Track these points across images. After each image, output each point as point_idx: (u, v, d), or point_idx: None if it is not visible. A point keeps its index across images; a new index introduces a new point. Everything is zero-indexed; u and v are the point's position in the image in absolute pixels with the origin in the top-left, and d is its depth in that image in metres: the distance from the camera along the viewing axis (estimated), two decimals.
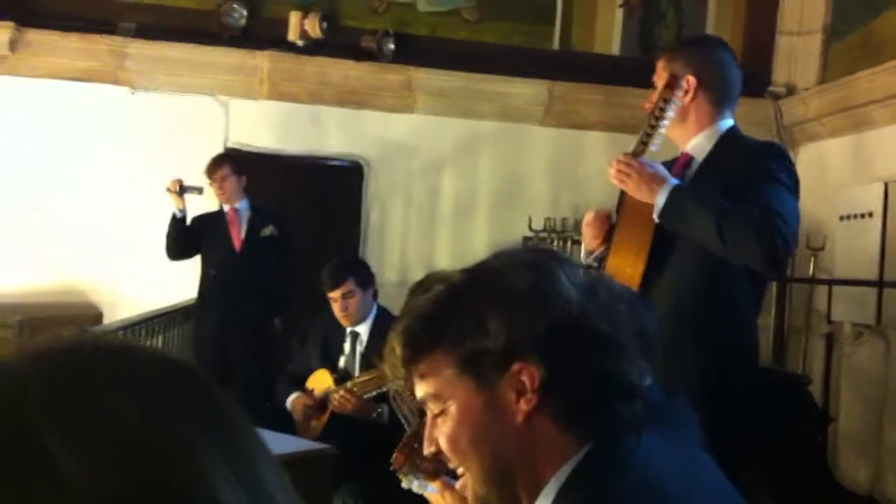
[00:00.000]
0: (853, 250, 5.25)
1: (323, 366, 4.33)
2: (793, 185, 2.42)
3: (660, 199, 2.36)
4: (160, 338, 4.98)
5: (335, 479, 3.52)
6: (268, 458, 0.58)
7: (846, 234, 5.35)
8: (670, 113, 2.44)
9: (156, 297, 5.28)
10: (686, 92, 2.48)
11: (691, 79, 2.49)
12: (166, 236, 4.96)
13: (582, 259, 2.66)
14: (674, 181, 2.39)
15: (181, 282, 5.28)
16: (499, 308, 1.10)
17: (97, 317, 5.43)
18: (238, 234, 5.01)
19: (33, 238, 5.65)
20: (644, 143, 2.47)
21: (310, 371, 4.36)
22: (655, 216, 2.38)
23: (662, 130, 2.47)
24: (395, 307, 4.37)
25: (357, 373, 4.21)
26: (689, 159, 2.53)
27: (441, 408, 1.14)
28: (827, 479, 4.73)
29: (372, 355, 4.23)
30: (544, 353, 1.08)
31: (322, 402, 4.18)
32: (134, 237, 5.63)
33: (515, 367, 1.08)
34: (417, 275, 6.50)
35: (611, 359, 1.09)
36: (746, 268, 2.43)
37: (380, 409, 4.00)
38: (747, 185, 2.37)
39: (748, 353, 2.59)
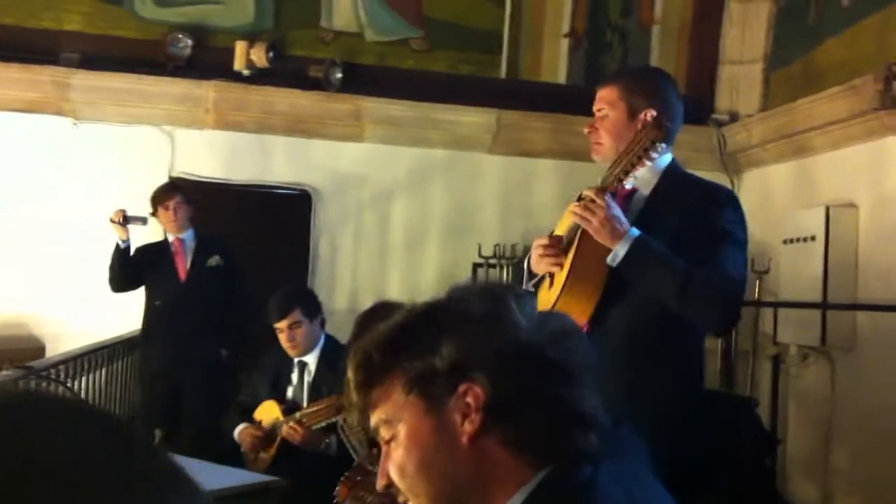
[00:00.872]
0: (797, 273, 5.33)
1: (271, 396, 4.28)
2: (745, 241, 2.47)
3: (620, 249, 2.34)
4: (103, 371, 4.88)
5: None
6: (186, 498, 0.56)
7: (790, 257, 5.44)
8: (655, 154, 2.37)
9: (100, 330, 5.18)
10: (644, 125, 2.43)
11: (652, 113, 2.48)
12: (109, 268, 4.88)
13: (524, 283, 2.64)
14: (634, 231, 2.36)
15: (125, 314, 5.19)
16: (451, 331, 1.11)
17: (39, 350, 5.31)
18: (184, 265, 4.95)
19: None
20: (620, 180, 2.40)
21: (258, 402, 4.31)
22: (613, 263, 2.35)
23: (643, 169, 2.41)
24: (346, 336, 4.33)
25: (305, 403, 4.17)
26: (632, 192, 2.51)
27: (391, 433, 1.13)
28: (776, 500, 4.76)
29: (321, 385, 4.19)
30: (491, 374, 1.08)
31: (270, 434, 4.13)
32: (77, 269, 5.53)
33: (462, 387, 1.08)
34: (368, 303, 6.45)
35: (563, 385, 1.09)
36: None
37: (328, 441, 3.95)
38: (702, 237, 2.38)
39: (701, 379, 2.61)
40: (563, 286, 2.44)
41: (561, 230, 2.60)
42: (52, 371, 3.96)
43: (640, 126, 2.44)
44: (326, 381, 4.11)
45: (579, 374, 1.11)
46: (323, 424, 3.96)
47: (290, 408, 4.16)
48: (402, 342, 1.14)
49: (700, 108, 6.42)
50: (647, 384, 2.42)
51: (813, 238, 5.20)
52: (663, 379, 2.45)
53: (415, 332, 1.14)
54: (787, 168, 5.87)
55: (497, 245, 6.02)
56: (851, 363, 5.04)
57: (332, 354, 4.21)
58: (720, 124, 6.39)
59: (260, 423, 4.20)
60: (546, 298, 2.50)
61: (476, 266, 5.90)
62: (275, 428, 4.09)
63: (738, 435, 4.40)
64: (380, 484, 1.16)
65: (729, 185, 6.42)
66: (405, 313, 1.18)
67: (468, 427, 1.08)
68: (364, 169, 6.23)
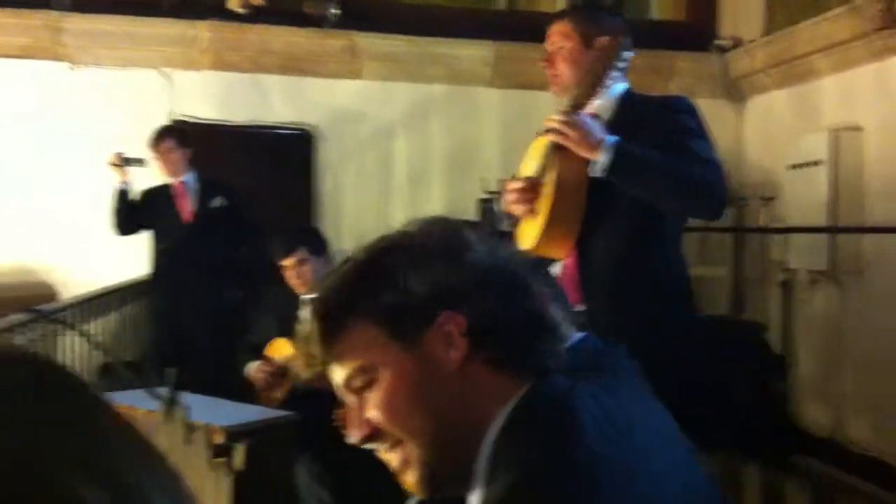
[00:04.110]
0: (804, 198, 5.30)
1: (281, 335, 4.29)
2: (709, 137, 2.53)
3: (603, 157, 2.36)
4: (113, 314, 4.88)
5: (298, 446, 3.50)
6: (131, 446, 0.55)
7: (796, 182, 5.40)
8: (621, 64, 2.47)
9: (110, 275, 5.17)
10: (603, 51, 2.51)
11: (607, 38, 2.52)
12: (111, 211, 4.85)
13: (500, 224, 2.68)
14: (610, 138, 2.39)
15: (134, 259, 5.18)
16: (414, 265, 1.08)
17: (50, 296, 5.30)
18: (187, 207, 4.93)
19: None
20: (589, 95, 2.46)
21: (267, 341, 4.32)
22: (599, 172, 2.37)
23: (609, 82, 2.49)
24: None
25: None
26: (593, 118, 2.52)
27: (368, 379, 1.08)
28: (788, 423, 4.81)
29: None
30: (465, 300, 1.07)
31: (282, 370, 4.14)
32: (83, 215, 5.50)
33: (440, 318, 1.06)
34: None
35: (530, 301, 1.09)
36: (673, 221, 2.53)
37: None
38: (670, 140, 2.43)
39: (689, 300, 2.65)
40: (548, 217, 2.47)
41: (527, 170, 2.61)
42: (62, 314, 3.96)
43: (595, 52, 2.51)
44: None
45: (542, 290, 1.11)
46: None
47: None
48: (365, 284, 1.09)
49: (702, 35, 6.34)
50: (637, 306, 2.47)
51: (818, 163, 5.16)
52: (652, 305, 2.49)
53: (377, 272, 1.09)
54: (791, 93, 5.81)
55: (501, 180, 5.98)
56: (860, 287, 5.04)
57: None
58: (723, 50, 6.31)
59: (272, 360, 4.21)
60: (528, 233, 2.52)
61: (482, 201, 5.87)
62: (287, 365, 4.11)
63: (747, 360, 4.43)
64: (356, 436, 1.11)
65: (732, 113, 6.38)
66: (362, 255, 1.13)
67: (454, 355, 1.06)
68: (363, 106, 6.16)
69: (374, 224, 6.06)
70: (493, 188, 5.92)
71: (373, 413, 1.08)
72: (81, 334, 3.89)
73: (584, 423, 0.97)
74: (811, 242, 5.21)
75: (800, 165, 5.35)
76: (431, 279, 1.07)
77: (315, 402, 3.87)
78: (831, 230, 5.02)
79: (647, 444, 1.01)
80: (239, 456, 2.73)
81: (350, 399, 1.11)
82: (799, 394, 5.38)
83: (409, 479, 1.09)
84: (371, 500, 3.20)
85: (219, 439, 3.06)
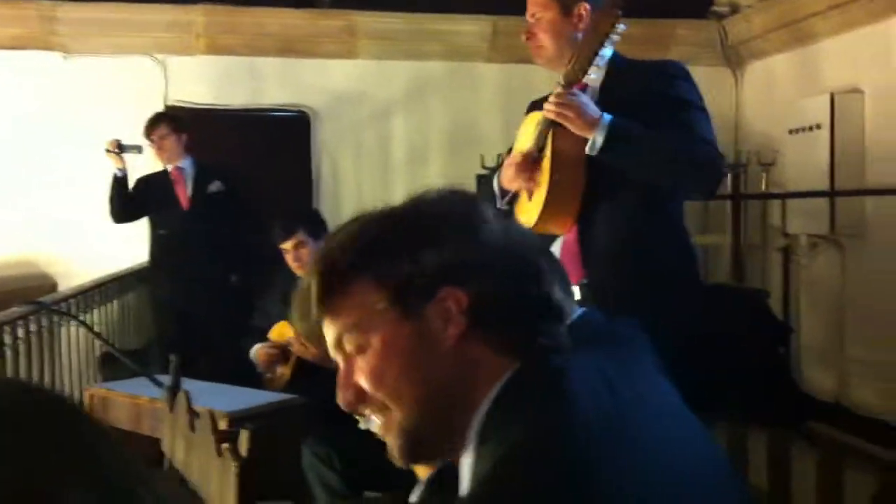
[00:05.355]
0: (804, 163, 5.28)
1: (283, 318, 4.30)
2: (704, 107, 2.50)
3: (598, 136, 2.36)
4: (115, 303, 4.90)
5: (304, 428, 3.51)
6: (116, 450, 0.57)
7: (796, 147, 5.38)
8: (616, 37, 2.42)
9: (109, 264, 5.19)
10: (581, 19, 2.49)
11: (586, 6, 2.49)
12: (109, 199, 4.86)
13: (497, 202, 2.66)
14: (607, 115, 2.37)
15: (133, 247, 5.19)
16: (428, 235, 1.07)
17: (52, 287, 5.33)
18: (185, 193, 4.92)
19: None
20: (584, 71, 2.42)
21: (271, 324, 4.33)
22: (593, 151, 2.37)
23: (605, 55, 2.46)
24: None
25: None
26: (584, 87, 2.50)
27: (361, 342, 1.07)
28: (792, 388, 4.80)
29: None
30: (472, 278, 1.06)
31: (285, 351, 4.16)
32: (81, 204, 5.51)
33: (441, 293, 1.05)
34: None
35: (535, 282, 1.08)
36: (672, 193, 2.51)
37: None
38: (664, 112, 2.40)
39: (694, 268, 2.64)
40: (548, 193, 2.45)
41: (522, 145, 2.58)
42: (63, 305, 3.97)
43: (575, 20, 2.48)
44: None
45: (547, 270, 1.11)
46: None
47: None
48: (374, 248, 1.08)
49: (699, 2, 6.29)
50: (641, 275, 2.45)
51: (819, 126, 5.13)
52: (657, 280, 2.46)
53: (387, 238, 1.08)
54: (790, 57, 5.76)
55: (500, 155, 5.96)
56: (861, 249, 5.02)
57: None
58: (720, 17, 6.26)
59: (275, 340, 4.22)
60: (527, 209, 2.51)
61: (480, 178, 5.86)
62: (289, 345, 4.12)
63: (750, 327, 4.42)
64: (344, 399, 1.10)
65: (731, 80, 6.33)
66: (375, 217, 1.11)
67: (452, 331, 1.05)
68: (360, 86, 6.14)
69: (374, 203, 6.04)
70: (493, 164, 5.91)
71: (361, 378, 1.07)
72: (83, 324, 3.91)
73: (576, 396, 0.96)
74: (811, 207, 5.19)
75: (800, 130, 5.32)
76: (443, 252, 1.06)
77: (320, 382, 3.90)
78: (832, 194, 5.00)
79: (648, 415, 1.00)
80: (244, 442, 2.73)
81: (340, 360, 1.10)
82: (802, 359, 5.37)
83: (394, 438, 1.09)
84: (379, 481, 3.22)
85: (223, 425, 3.07)
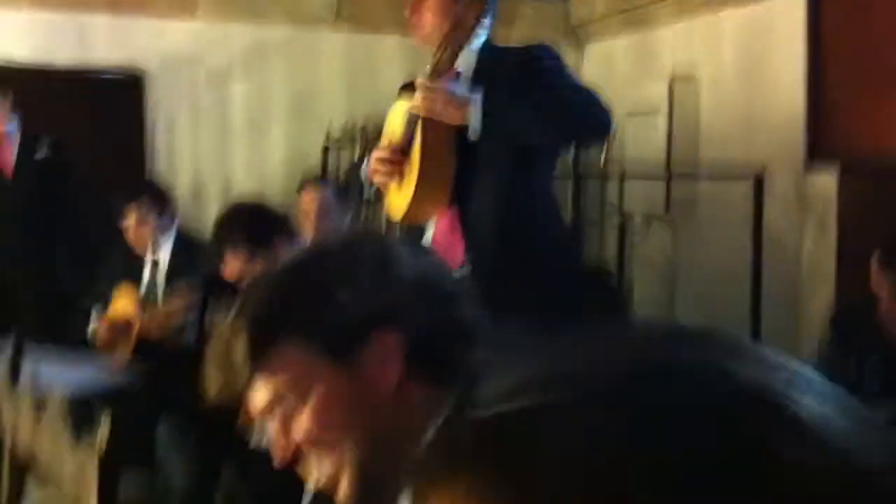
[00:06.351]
0: (642, 145, 5.47)
1: (123, 295, 4.11)
2: (573, 74, 2.66)
3: (474, 117, 2.36)
4: None
5: (153, 409, 3.39)
6: None
7: (635, 129, 5.56)
8: (481, 30, 2.45)
9: None
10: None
11: None
12: None
13: (364, 192, 2.68)
14: (476, 95, 2.39)
15: None
16: (346, 281, 1.07)
17: None
18: (9, 160, 4.56)
19: None
20: (452, 62, 2.43)
21: (110, 302, 4.13)
22: (476, 136, 2.37)
23: (474, 45, 2.50)
24: (189, 224, 4.21)
25: (160, 299, 4.03)
26: (457, 76, 2.52)
27: (299, 398, 1.05)
28: None
29: (174, 279, 4.04)
30: (399, 317, 1.06)
31: (125, 326, 3.97)
32: None
33: (375, 338, 1.05)
34: (213, 190, 6.22)
35: (455, 309, 1.10)
36: (547, 154, 2.59)
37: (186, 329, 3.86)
38: (536, 87, 2.46)
39: (565, 230, 2.73)
40: (417, 185, 2.45)
41: (392, 135, 2.57)
42: None
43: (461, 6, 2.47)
44: (178, 274, 3.97)
45: (460, 293, 1.13)
46: (180, 320, 3.85)
47: (146, 303, 4.02)
48: (297, 301, 1.07)
49: None
50: (520, 240, 2.52)
51: (656, 112, 5.32)
52: (533, 232, 2.55)
53: (309, 288, 1.08)
54: (629, 41, 5.93)
55: (345, 126, 5.86)
56: (693, 230, 5.27)
57: (184, 249, 4.07)
58: None
59: (115, 317, 4.03)
60: (397, 199, 2.50)
61: (326, 149, 5.74)
62: (131, 322, 3.95)
63: (598, 303, 4.58)
64: (283, 457, 1.08)
65: (573, 60, 6.47)
66: (289, 271, 1.12)
67: (391, 376, 1.05)
68: (197, 49, 5.86)
69: (212, 171, 5.84)
70: (337, 136, 5.80)
71: (301, 430, 1.06)
72: None
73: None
74: (648, 188, 5.39)
75: (638, 114, 5.50)
76: (364, 296, 1.06)
77: (163, 359, 3.73)
78: (667, 177, 5.21)
79: None
80: (103, 433, 2.60)
81: (273, 420, 1.08)
82: None
83: (342, 486, 1.07)
84: (235, 456, 3.12)
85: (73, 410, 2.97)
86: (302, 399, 1.06)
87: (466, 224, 2.51)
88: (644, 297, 5.60)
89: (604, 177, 5.81)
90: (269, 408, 1.08)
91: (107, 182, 4.37)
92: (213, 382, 1.10)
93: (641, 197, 5.49)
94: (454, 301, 1.11)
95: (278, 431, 1.08)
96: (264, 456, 1.21)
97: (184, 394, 3.45)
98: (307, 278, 1.09)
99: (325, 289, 1.07)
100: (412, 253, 1.15)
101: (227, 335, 1.08)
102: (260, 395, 1.08)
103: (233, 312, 1.09)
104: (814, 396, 0.42)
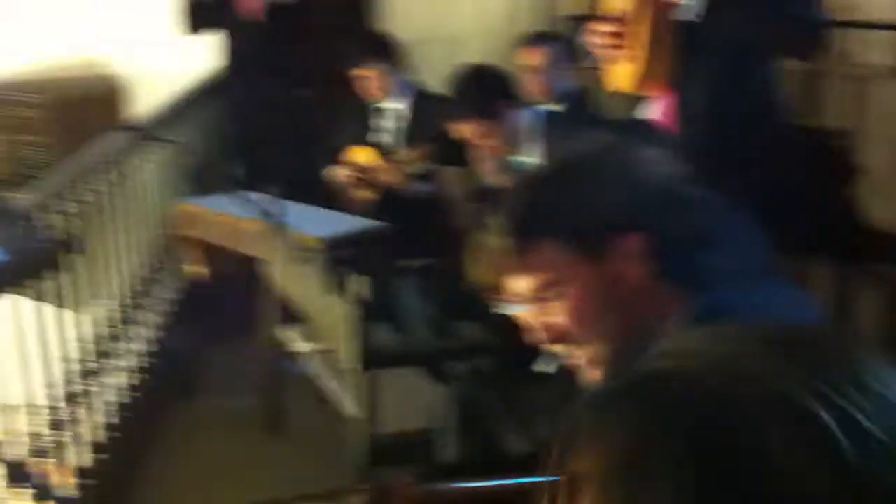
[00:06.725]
0: None
1: (356, 142, 4.29)
2: None
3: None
4: (191, 117, 4.78)
5: (393, 257, 3.59)
6: None
7: None
8: None
9: (177, 70, 5.03)
10: None
11: None
12: (180, 9, 4.66)
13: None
14: None
15: (203, 53, 5.04)
16: (595, 189, 1.22)
17: (114, 92, 5.27)
18: (257, 4, 4.71)
19: None
20: None
21: (344, 145, 4.32)
22: (693, 16, 2.43)
23: None
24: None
25: (398, 147, 4.19)
26: None
27: (555, 291, 1.23)
28: (858, 223, 4.78)
29: (410, 130, 4.17)
30: (642, 220, 1.20)
31: (366, 173, 4.15)
32: (148, 7, 5.31)
33: (621, 238, 1.19)
34: (438, 42, 5.89)
35: (692, 215, 1.23)
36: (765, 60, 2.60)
37: (426, 181, 4.01)
38: None
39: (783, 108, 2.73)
40: (644, 57, 2.46)
41: (612, 5, 2.53)
42: (152, 129, 3.91)
43: None
44: (420, 127, 4.09)
45: (700, 200, 1.25)
46: (421, 169, 4.00)
47: (385, 153, 4.19)
48: (554, 208, 1.23)
49: None
50: (737, 116, 2.54)
51: None
52: (750, 108, 2.56)
53: (564, 197, 1.24)
54: None
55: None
56: None
57: (424, 99, 4.17)
58: None
59: (353, 163, 4.22)
60: (623, 73, 2.51)
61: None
62: (372, 167, 4.13)
63: (826, 166, 4.40)
64: (543, 340, 1.26)
65: None
66: (548, 178, 1.30)
67: (636, 274, 1.20)
68: None
69: (438, 25, 5.70)
70: None
71: (560, 319, 1.24)
72: (168, 142, 3.90)
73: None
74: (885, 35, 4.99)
75: None
76: (612, 202, 1.21)
77: (407, 209, 3.91)
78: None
79: None
80: (353, 283, 2.83)
81: (534, 304, 1.26)
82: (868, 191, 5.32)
83: (595, 375, 1.25)
84: (476, 312, 3.31)
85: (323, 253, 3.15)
86: (559, 291, 1.23)
87: (682, 108, 2.53)
88: (878, 163, 5.30)
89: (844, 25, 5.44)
90: (530, 296, 1.25)
91: (343, 32, 4.46)
92: (479, 271, 1.30)
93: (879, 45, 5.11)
94: (693, 207, 1.23)
95: (538, 318, 1.26)
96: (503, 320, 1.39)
97: (423, 242, 3.65)
98: (562, 187, 1.25)
99: (578, 196, 1.23)
100: (655, 161, 1.27)
101: (495, 232, 1.25)
102: (521, 283, 1.25)
103: (500, 213, 1.27)
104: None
